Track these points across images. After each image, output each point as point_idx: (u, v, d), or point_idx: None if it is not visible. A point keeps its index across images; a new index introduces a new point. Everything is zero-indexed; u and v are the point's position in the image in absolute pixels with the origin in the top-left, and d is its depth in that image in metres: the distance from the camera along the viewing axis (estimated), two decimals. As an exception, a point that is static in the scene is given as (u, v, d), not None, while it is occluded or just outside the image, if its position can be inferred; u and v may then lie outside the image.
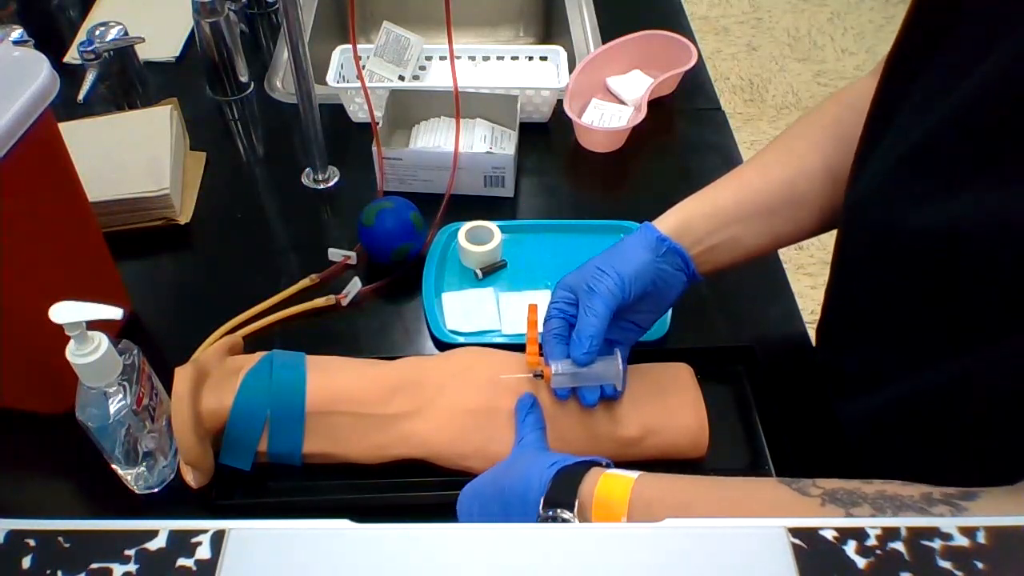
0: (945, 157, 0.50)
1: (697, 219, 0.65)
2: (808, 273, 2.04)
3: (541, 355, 0.66)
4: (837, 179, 0.65)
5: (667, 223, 0.65)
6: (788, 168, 0.67)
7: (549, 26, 1.35)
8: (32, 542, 0.32)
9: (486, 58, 1.11)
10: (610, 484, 0.53)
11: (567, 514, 0.52)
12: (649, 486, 0.53)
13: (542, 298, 0.78)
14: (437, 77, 1.12)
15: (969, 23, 0.50)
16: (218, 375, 0.65)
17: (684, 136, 1.04)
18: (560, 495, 0.53)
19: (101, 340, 0.57)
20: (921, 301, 0.54)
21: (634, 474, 0.54)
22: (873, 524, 0.33)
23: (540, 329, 0.67)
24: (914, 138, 0.53)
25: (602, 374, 0.63)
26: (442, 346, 0.78)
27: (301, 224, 0.93)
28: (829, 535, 0.33)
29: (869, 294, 0.61)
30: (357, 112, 1.03)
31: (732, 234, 0.66)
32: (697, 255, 0.65)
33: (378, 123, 0.90)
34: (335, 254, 0.86)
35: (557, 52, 1.08)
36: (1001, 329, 0.47)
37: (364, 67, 1.06)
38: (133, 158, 0.90)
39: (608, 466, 0.56)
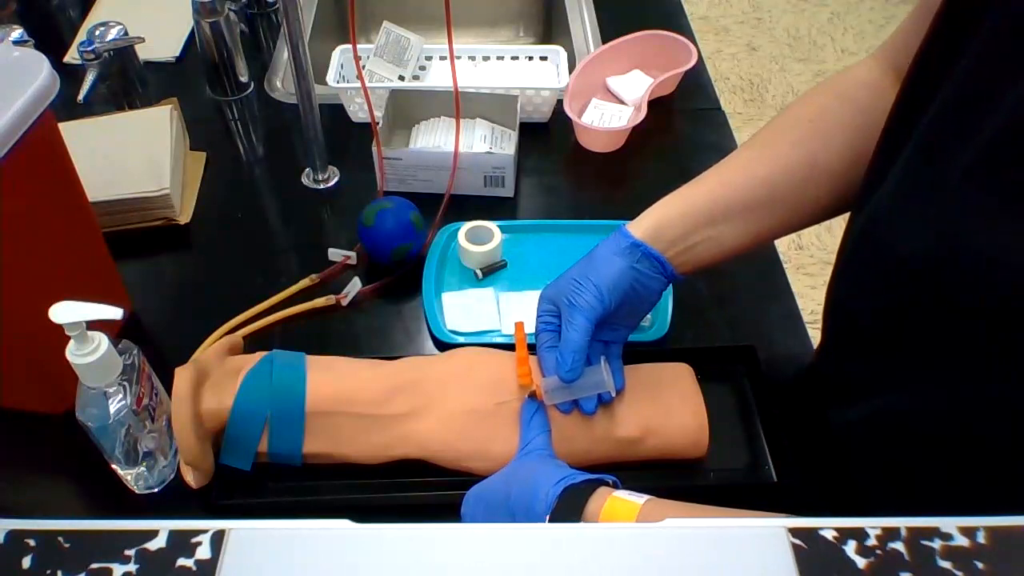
0: (975, 185, 0.48)
1: (673, 220, 0.64)
2: (808, 273, 2.04)
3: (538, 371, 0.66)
4: (820, 175, 0.64)
5: (642, 226, 0.64)
6: (769, 166, 0.65)
7: (549, 26, 1.35)
8: (32, 542, 0.32)
9: (486, 58, 1.11)
10: (616, 508, 0.53)
11: None
12: (656, 514, 0.53)
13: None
14: (437, 77, 1.12)
15: (997, 28, 0.47)
16: (218, 375, 0.65)
17: (684, 136, 1.04)
18: (565, 515, 0.53)
19: (101, 340, 0.57)
20: (925, 322, 0.53)
21: (642, 499, 0.54)
22: (873, 524, 0.33)
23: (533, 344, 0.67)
24: (942, 158, 0.50)
25: (592, 384, 0.63)
26: (442, 346, 0.78)
27: (301, 224, 0.93)
28: (829, 535, 0.33)
29: (871, 310, 0.59)
30: (357, 112, 1.03)
31: (709, 235, 0.64)
32: (673, 256, 0.64)
33: (378, 123, 0.90)
34: (335, 254, 0.86)
35: (557, 52, 1.08)
36: (1004, 356, 0.47)
37: (364, 67, 1.06)
38: (133, 158, 0.90)
39: (616, 486, 0.56)
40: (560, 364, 0.61)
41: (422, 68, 1.12)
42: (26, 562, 0.32)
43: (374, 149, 0.90)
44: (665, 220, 0.64)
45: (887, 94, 0.59)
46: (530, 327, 0.68)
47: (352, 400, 0.65)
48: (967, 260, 0.48)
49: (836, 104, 0.65)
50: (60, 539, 0.32)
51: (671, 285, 0.79)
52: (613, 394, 0.65)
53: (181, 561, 0.32)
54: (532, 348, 0.68)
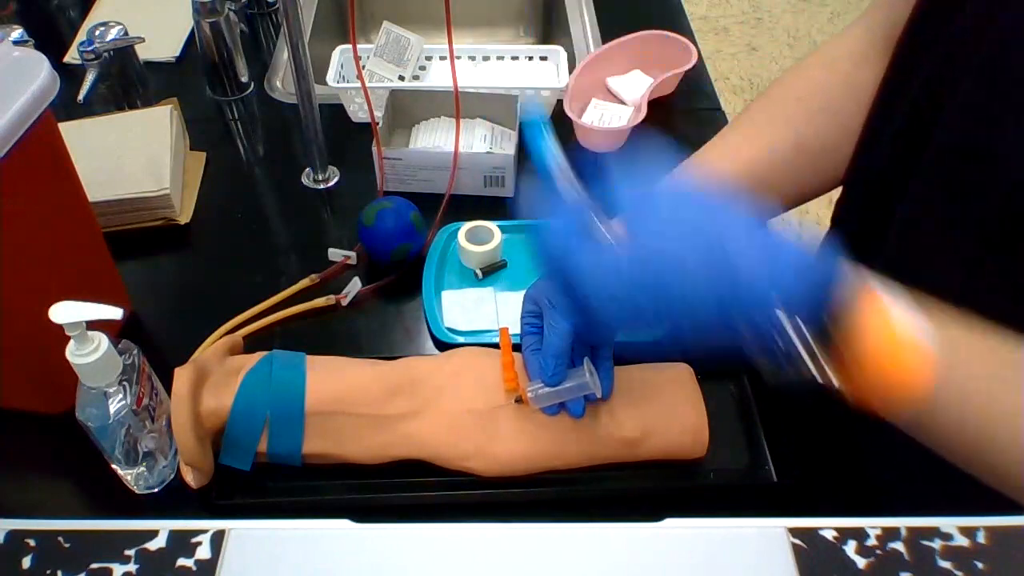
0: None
1: None
2: (808, 273, 2.04)
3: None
4: (808, 156, 0.63)
5: None
6: (755, 151, 0.64)
7: (549, 26, 1.35)
8: (32, 542, 0.32)
9: (486, 58, 1.11)
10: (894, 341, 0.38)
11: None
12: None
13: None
14: (437, 77, 1.12)
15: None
16: (218, 375, 0.65)
17: (684, 136, 1.04)
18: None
19: (101, 340, 0.57)
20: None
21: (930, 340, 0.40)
22: (873, 524, 0.33)
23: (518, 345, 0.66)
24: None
25: (577, 386, 0.63)
26: (442, 346, 0.78)
27: (301, 224, 0.93)
28: (829, 535, 0.33)
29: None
30: (357, 112, 1.03)
31: None
32: None
33: (378, 123, 0.90)
34: (335, 254, 0.86)
35: (557, 52, 1.08)
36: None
37: (364, 67, 1.06)
38: (133, 158, 0.90)
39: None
40: (543, 369, 0.61)
41: (422, 68, 1.12)
42: (26, 562, 0.32)
43: (374, 149, 0.90)
44: None
45: (876, 65, 0.58)
46: (517, 327, 0.68)
47: (352, 400, 0.65)
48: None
49: (823, 77, 0.64)
50: (60, 539, 0.32)
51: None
52: (599, 395, 0.65)
53: (181, 561, 0.32)
54: (519, 348, 0.68)
